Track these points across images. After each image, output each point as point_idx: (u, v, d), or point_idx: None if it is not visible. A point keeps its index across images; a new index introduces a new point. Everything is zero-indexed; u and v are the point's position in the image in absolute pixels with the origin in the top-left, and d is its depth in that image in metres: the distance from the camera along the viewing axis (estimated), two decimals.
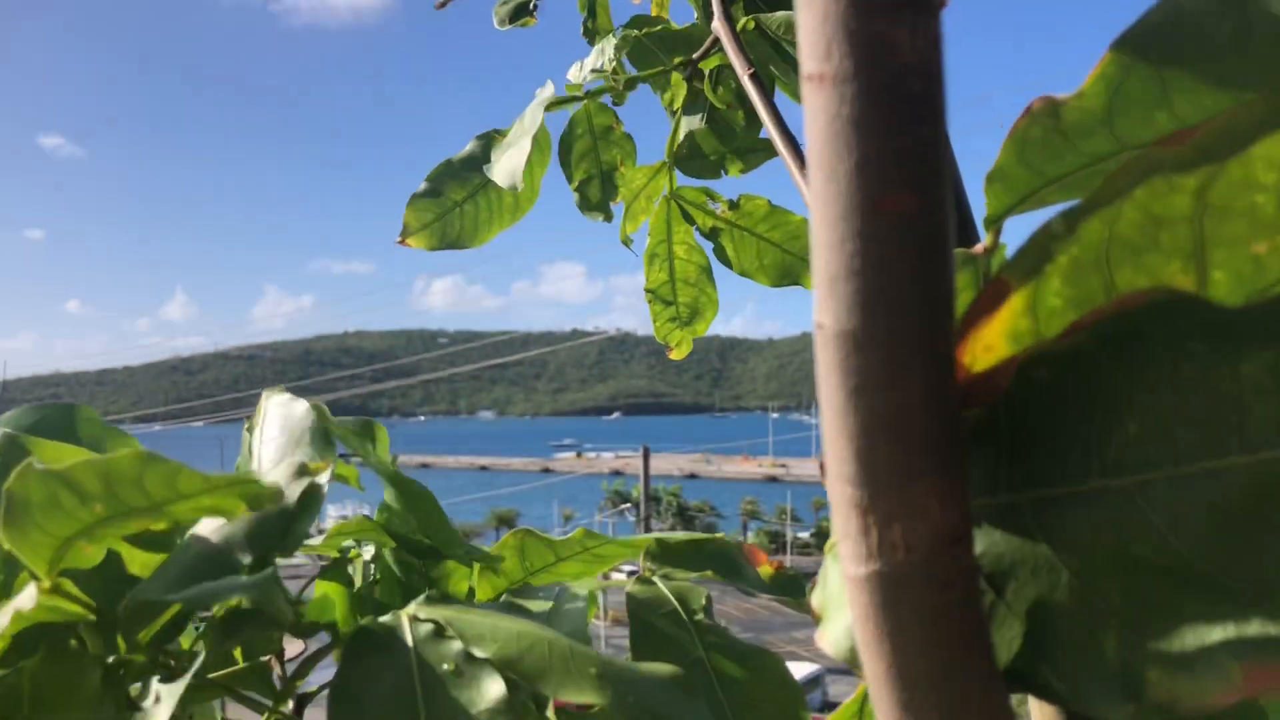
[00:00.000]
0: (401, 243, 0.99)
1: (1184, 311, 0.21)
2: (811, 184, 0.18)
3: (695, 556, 0.60)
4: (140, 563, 0.46)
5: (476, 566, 0.59)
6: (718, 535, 0.62)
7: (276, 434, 0.50)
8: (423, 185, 1.00)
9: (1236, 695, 0.18)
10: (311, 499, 0.43)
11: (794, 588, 0.62)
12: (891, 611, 0.18)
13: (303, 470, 0.43)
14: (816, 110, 0.17)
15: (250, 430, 0.52)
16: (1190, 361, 0.21)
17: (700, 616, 0.54)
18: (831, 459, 0.19)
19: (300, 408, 0.51)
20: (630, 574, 0.60)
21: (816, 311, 0.18)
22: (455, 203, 1.00)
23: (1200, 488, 0.20)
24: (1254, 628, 0.19)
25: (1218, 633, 0.19)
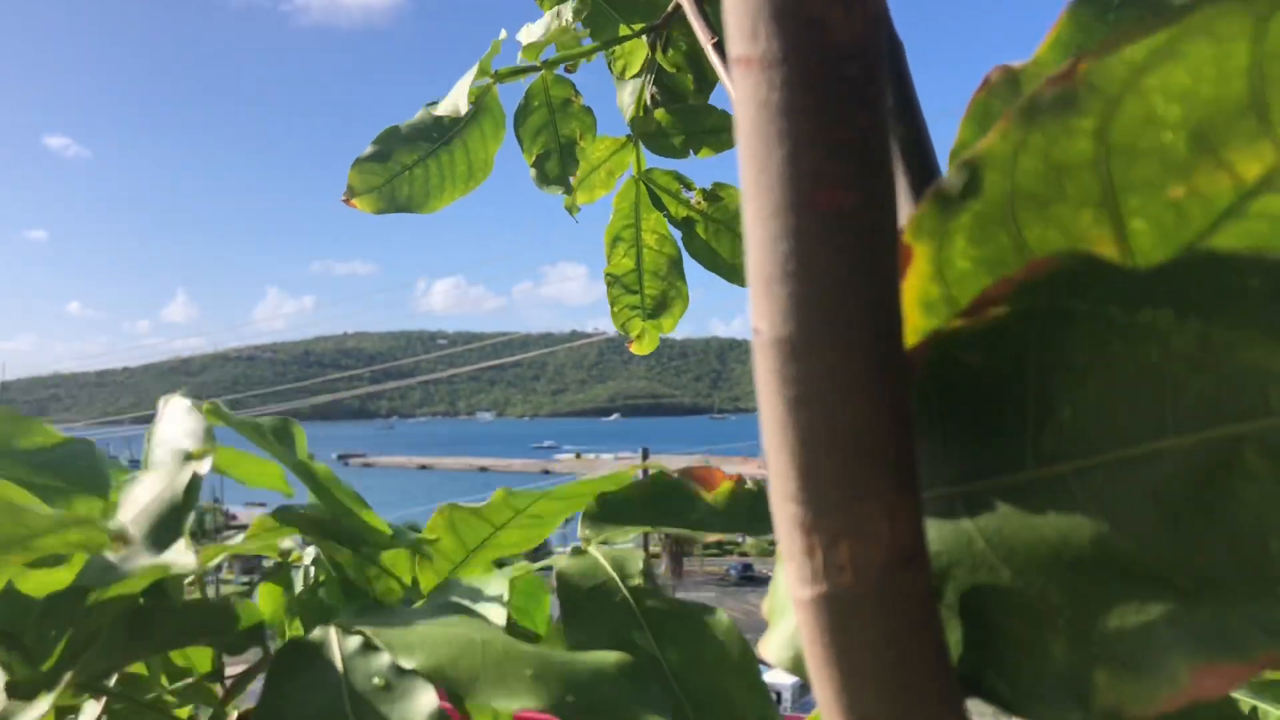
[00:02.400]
0: (346, 202, 0.96)
1: (1102, 279, 0.20)
2: (742, 177, 0.16)
3: (638, 508, 0.57)
4: (60, 585, 0.44)
5: (415, 553, 0.56)
6: (657, 468, 0.58)
7: (167, 437, 0.49)
8: (368, 149, 0.95)
9: (1185, 698, 0.18)
10: (194, 486, 0.42)
11: (758, 508, 0.58)
12: (839, 636, 0.17)
13: (187, 457, 0.41)
14: (745, 96, 0.16)
15: (148, 438, 0.50)
16: (1117, 336, 0.20)
17: (637, 580, 0.51)
18: (773, 474, 0.17)
19: (183, 408, 0.49)
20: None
21: (753, 315, 0.17)
22: (404, 166, 0.96)
23: (1138, 474, 0.19)
24: (1200, 625, 0.18)
25: (1164, 631, 0.18)
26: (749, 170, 0.16)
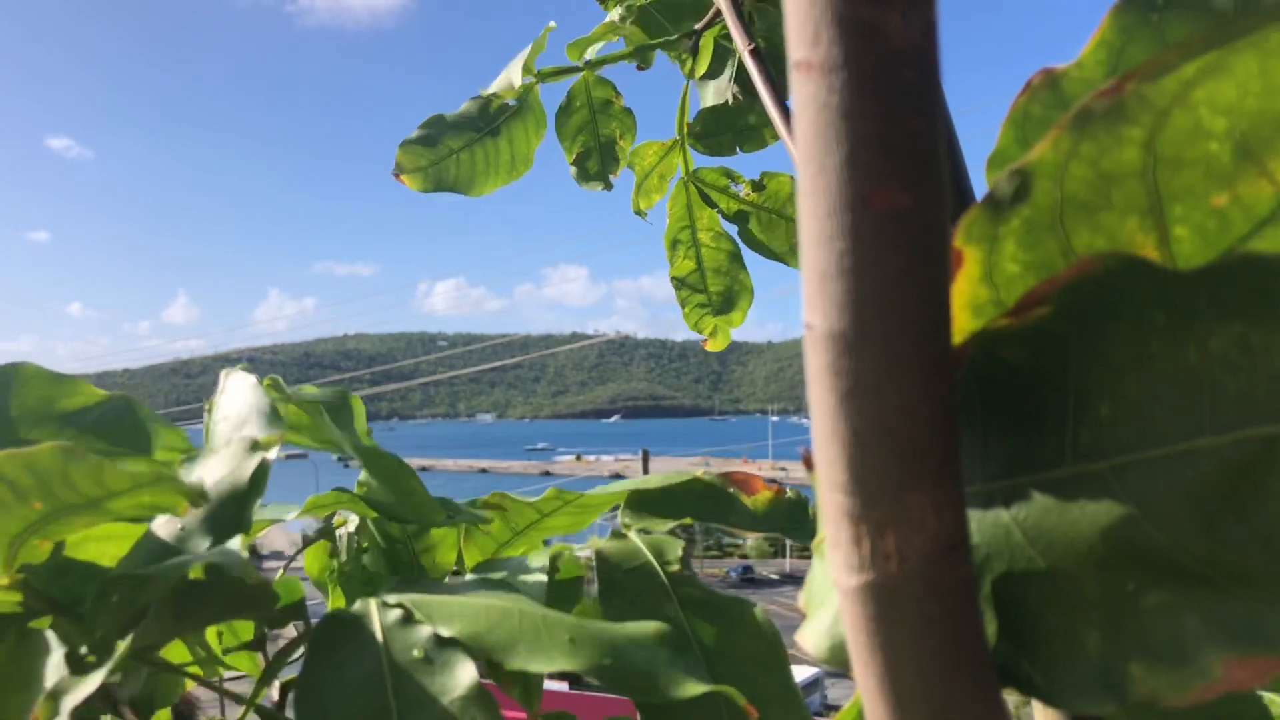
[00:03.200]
0: (396, 177, 0.98)
1: (1145, 280, 0.20)
2: (800, 176, 0.17)
3: (677, 502, 0.58)
4: (110, 558, 0.45)
5: (462, 530, 0.58)
6: (699, 474, 0.59)
7: (229, 412, 0.49)
8: (415, 132, 0.98)
9: (1218, 690, 0.18)
10: (262, 474, 0.42)
11: (797, 514, 0.59)
12: (884, 623, 0.18)
13: (254, 446, 0.42)
14: (805, 99, 0.16)
15: (209, 411, 0.50)
16: (1157, 337, 0.20)
17: (675, 567, 0.52)
18: (822, 465, 0.18)
19: (249, 383, 0.50)
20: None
21: (806, 311, 0.17)
22: (451, 150, 0.98)
23: (1174, 471, 0.20)
24: (1233, 619, 0.19)
25: (1197, 625, 0.19)
26: (807, 170, 0.17)
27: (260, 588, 0.40)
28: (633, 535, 0.55)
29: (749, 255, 1.10)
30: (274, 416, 0.47)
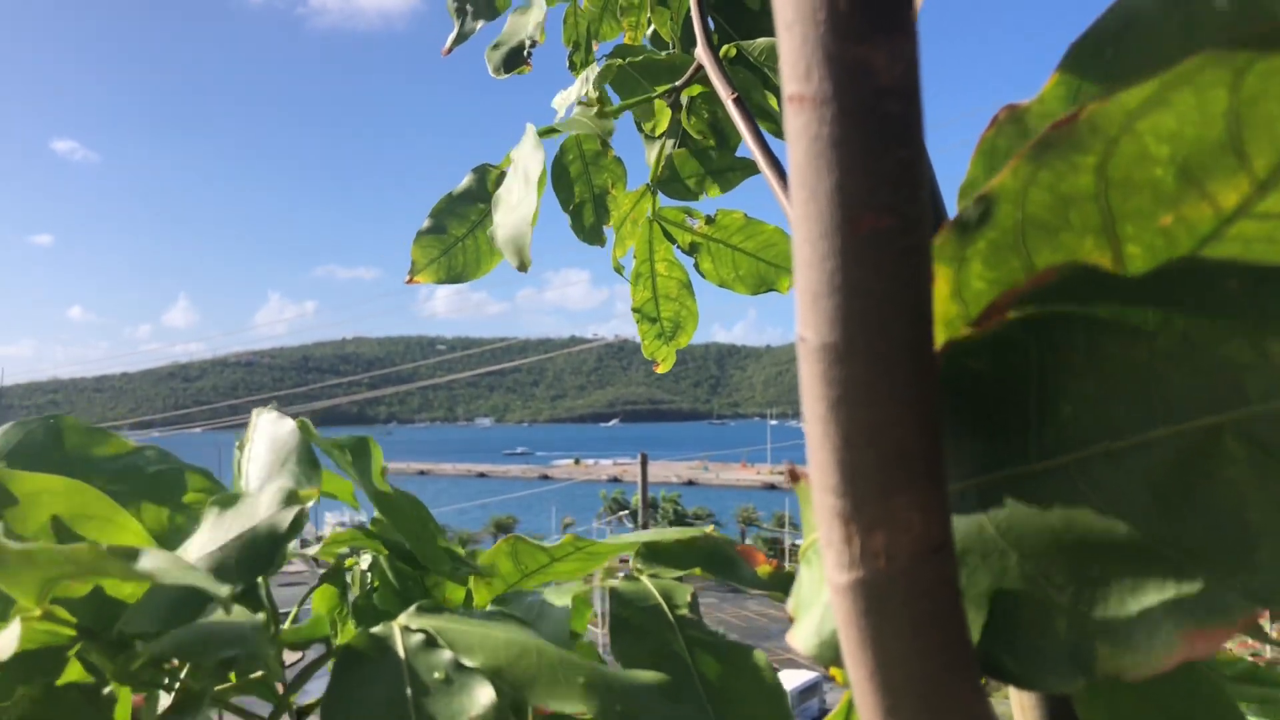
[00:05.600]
0: (410, 281, 1.02)
1: (1096, 287, 0.22)
2: (793, 202, 0.18)
3: (686, 555, 0.60)
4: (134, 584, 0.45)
5: None
6: (708, 530, 0.62)
7: (263, 452, 0.50)
8: (426, 222, 1.02)
9: (1178, 659, 0.20)
10: (298, 524, 0.43)
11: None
12: (873, 619, 0.19)
13: (292, 498, 0.43)
14: (798, 131, 0.17)
15: (240, 448, 0.52)
16: (1110, 338, 0.22)
17: (684, 612, 0.54)
18: (815, 469, 0.19)
19: (286, 426, 0.51)
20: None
21: (799, 325, 0.19)
22: (456, 238, 1.03)
23: (1132, 462, 0.22)
24: (1188, 594, 0.20)
25: (1156, 602, 0.21)
26: (800, 196, 0.18)
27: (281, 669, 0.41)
28: (644, 579, 0.57)
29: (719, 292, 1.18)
30: (311, 458, 0.48)
